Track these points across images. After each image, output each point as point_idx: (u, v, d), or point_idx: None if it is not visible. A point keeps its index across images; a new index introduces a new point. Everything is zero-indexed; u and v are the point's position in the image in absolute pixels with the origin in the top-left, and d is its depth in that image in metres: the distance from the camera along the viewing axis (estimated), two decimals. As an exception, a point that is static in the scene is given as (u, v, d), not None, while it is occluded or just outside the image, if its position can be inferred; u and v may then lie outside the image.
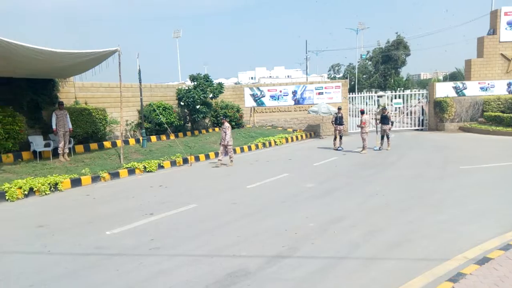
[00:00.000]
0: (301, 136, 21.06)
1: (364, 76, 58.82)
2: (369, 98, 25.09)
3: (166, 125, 15.97)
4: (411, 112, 24.18)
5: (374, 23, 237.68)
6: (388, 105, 24.85)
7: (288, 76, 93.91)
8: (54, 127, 11.97)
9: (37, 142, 12.13)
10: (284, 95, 22.18)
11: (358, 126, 16.40)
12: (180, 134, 17.86)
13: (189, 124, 18.98)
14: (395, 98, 24.04)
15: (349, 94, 23.53)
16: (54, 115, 12.02)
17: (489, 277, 4.64)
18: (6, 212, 8.33)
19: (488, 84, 22.52)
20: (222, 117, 14.38)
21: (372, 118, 21.13)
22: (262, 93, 22.08)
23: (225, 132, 12.99)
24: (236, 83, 66.40)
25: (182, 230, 6.87)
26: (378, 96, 27.98)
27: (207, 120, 20.13)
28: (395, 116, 23.48)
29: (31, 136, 12.15)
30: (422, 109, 23.78)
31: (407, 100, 24.31)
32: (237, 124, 20.54)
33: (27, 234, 6.85)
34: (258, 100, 22.12)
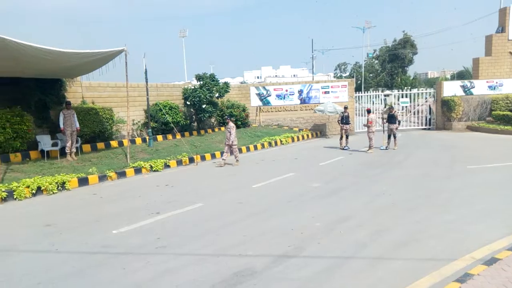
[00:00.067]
0: (307, 135, 21.01)
1: (371, 75, 58.42)
2: (376, 97, 24.97)
3: (172, 125, 16.02)
4: (418, 111, 24.00)
5: (381, 22, 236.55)
6: (395, 104, 24.62)
7: (294, 75, 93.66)
8: (61, 126, 12.07)
9: (45, 142, 12.24)
10: (290, 94, 22.12)
11: (364, 125, 16.33)
12: (186, 133, 17.91)
13: (195, 124, 19.03)
14: (402, 97, 23.85)
15: (356, 93, 23.43)
16: (61, 115, 12.12)
17: (497, 278, 4.59)
18: (14, 211, 8.42)
19: (497, 82, 22.28)
20: (227, 116, 14.40)
21: (378, 117, 21.00)
22: (268, 92, 22.06)
23: (230, 132, 13.00)
24: (242, 83, 66.55)
25: (188, 229, 6.89)
26: (385, 95, 27.76)
27: (213, 120, 20.17)
28: (402, 115, 23.25)
29: (39, 135, 12.26)
30: (430, 108, 23.59)
31: (414, 99, 24.09)
32: (243, 123, 20.57)
33: (35, 232, 6.92)
34: (264, 99, 22.09)
